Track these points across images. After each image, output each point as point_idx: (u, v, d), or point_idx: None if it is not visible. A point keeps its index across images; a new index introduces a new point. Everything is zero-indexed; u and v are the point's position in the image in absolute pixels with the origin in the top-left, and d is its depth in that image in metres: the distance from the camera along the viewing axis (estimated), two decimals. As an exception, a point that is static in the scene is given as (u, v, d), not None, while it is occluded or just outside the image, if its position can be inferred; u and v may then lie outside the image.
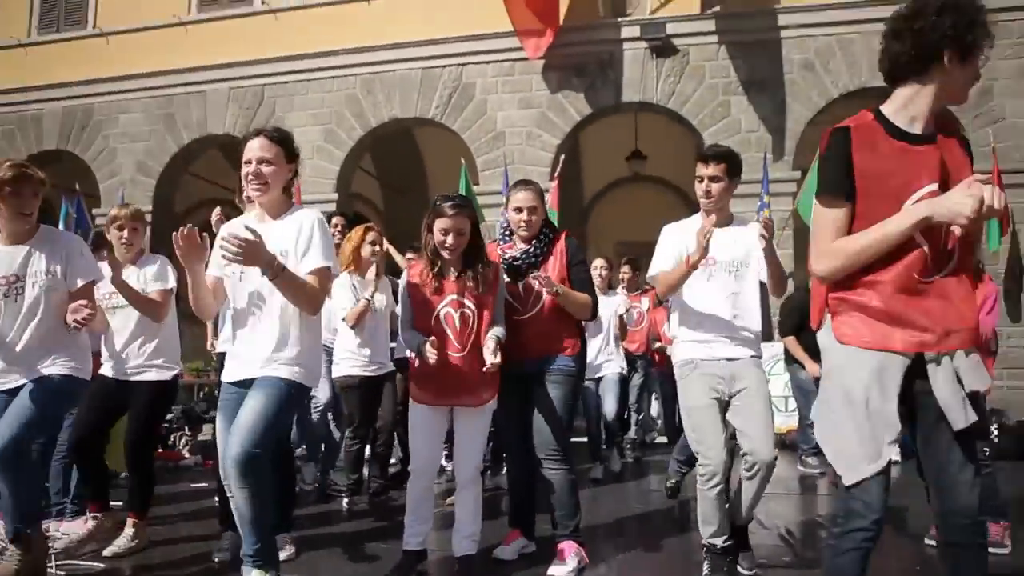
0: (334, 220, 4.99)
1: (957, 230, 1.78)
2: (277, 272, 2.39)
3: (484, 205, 9.64)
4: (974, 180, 1.80)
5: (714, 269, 3.14)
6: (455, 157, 11.19)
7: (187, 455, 6.78)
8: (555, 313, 3.30)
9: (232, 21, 11.11)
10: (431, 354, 2.79)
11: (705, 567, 3.10)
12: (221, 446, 2.52)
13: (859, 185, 1.91)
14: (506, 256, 3.36)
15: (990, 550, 2.25)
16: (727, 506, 3.08)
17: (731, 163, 3.18)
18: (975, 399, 1.90)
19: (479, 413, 3.10)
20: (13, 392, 2.81)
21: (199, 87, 11.16)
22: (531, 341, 3.28)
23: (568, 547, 3.18)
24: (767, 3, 9.67)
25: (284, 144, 2.65)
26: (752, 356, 3.12)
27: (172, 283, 3.54)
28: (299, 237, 2.57)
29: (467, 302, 3.05)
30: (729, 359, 3.08)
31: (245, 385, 2.55)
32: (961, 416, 1.82)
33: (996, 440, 6.66)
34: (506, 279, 3.27)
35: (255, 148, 2.58)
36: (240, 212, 2.94)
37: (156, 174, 11.19)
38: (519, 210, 3.36)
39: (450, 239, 3.04)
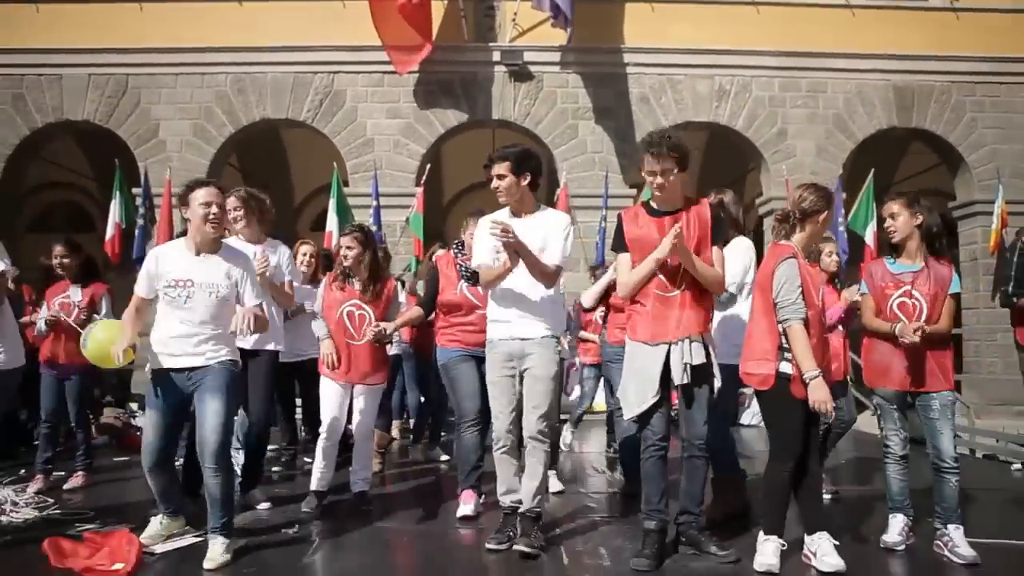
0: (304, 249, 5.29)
1: (671, 260, 3.07)
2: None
3: (354, 206, 10.48)
4: (671, 232, 3.06)
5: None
6: (319, 157, 11.92)
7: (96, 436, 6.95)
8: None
9: (93, 5, 11.05)
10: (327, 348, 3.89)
11: (496, 529, 3.57)
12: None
13: (629, 243, 3.18)
14: (465, 266, 4.03)
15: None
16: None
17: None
18: (704, 369, 3.18)
19: (372, 390, 4.13)
20: None
21: (54, 70, 11.00)
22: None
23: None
24: (611, 42, 11.22)
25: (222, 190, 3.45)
26: (544, 336, 3.49)
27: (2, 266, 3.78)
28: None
29: (364, 305, 4.07)
30: (522, 338, 3.50)
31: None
32: (679, 376, 3.12)
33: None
34: (468, 284, 4.05)
35: (203, 195, 3.29)
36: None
37: (3, 157, 10.91)
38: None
39: (349, 256, 4.07)
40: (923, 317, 3.38)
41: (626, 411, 3.22)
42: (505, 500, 3.57)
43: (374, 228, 9.89)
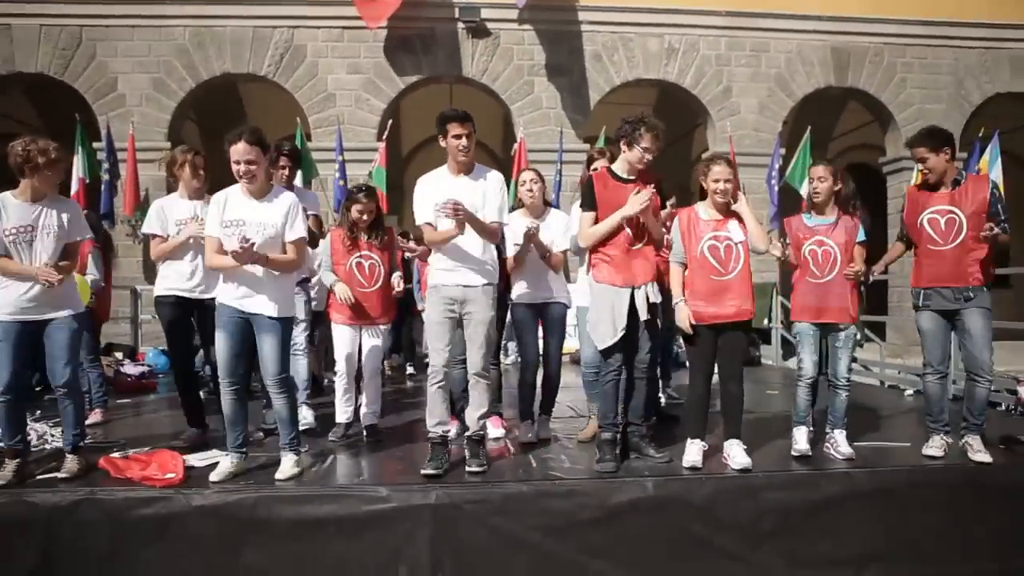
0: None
1: (641, 218, 3.84)
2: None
3: (317, 160, 10.95)
4: (636, 192, 3.83)
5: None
6: (277, 111, 12.26)
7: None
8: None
9: (41, -46, 11.08)
10: (343, 291, 4.50)
11: (428, 456, 3.87)
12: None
13: (598, 202, 3.92)
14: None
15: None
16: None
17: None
18: (655, 309, 3.99)
19: (379, 331, 4.76)
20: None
21: (2, 19, 11.03)
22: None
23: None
24: (566, 0, 11.77)
25: (261, 144, 3.81)
26: (483, 285, 3.94)
27: None
28: (287, 215, 3.84)
29: (373, 255, 4.65)
30: (464, 286, 3.93)
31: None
32: (644, 312, 3.91)
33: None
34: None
35: (240, 151, 3.70)
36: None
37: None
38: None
39: (364, 217, 4.60)
40: (837, 261, 4.21)
41: (599, 342, 3.97)
42: (437, 430, 3.95)
43: (340, 183, 10.43)
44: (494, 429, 4.68)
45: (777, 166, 11.44)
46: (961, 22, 12.30)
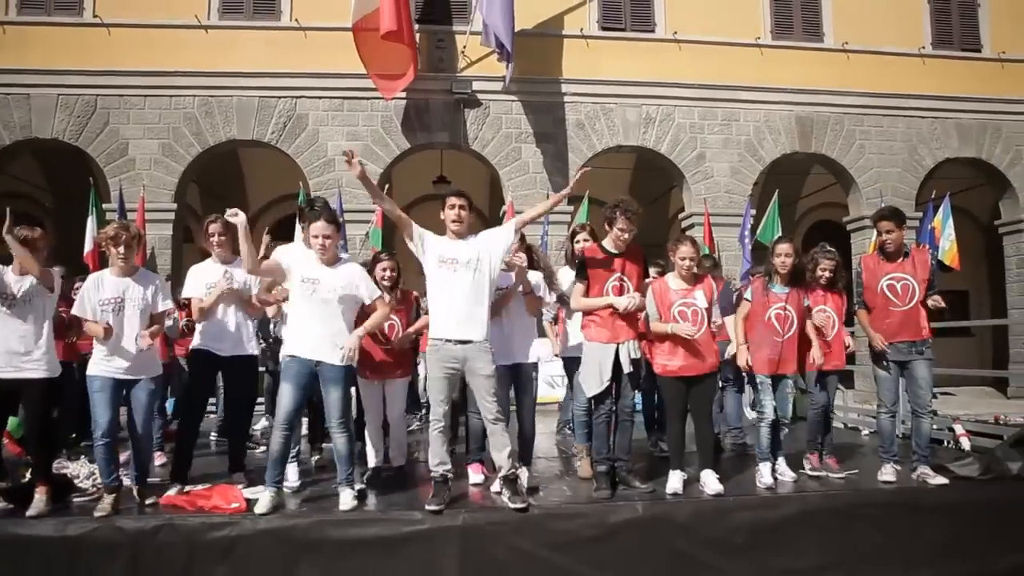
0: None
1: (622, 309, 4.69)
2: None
3: (318, 222, 11.73)
4: (633, 294, 4.69)
5: (456, 267, 4.46)
6: (273, 171, 13.17)
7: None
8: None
9: (62, 28, 12.00)
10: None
11: (432, 493, 4.39)
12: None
13: (589, 274, 4.77)
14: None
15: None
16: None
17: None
18: (637, 362, 4.81)
19: (400, 383, 5.38)
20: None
21: (23, 90, 11.87)
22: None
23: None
24: (551, 74, 12.90)
25: (336, 222, 4.65)
26: (482, 341, 4.41)
27: None
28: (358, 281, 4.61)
29: (392, 315, 5.36)
30: (462, 341, 4.41)
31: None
32: (627, 366, 4.72)
33: None
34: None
35: (319, 227, 4.49)
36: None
37: (-28, 172, 11.73)
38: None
39: (388, 274, 5.23)
40: (795, 326, 5.12)
41: (588, 391, 4.79)
42: (438, 470, 4.47)
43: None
44: (475, 475, 5.15)
45: (749, 225, 12.48)
46: (912, 95, 13.61)
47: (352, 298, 4.65)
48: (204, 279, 5.26)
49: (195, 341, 5.32)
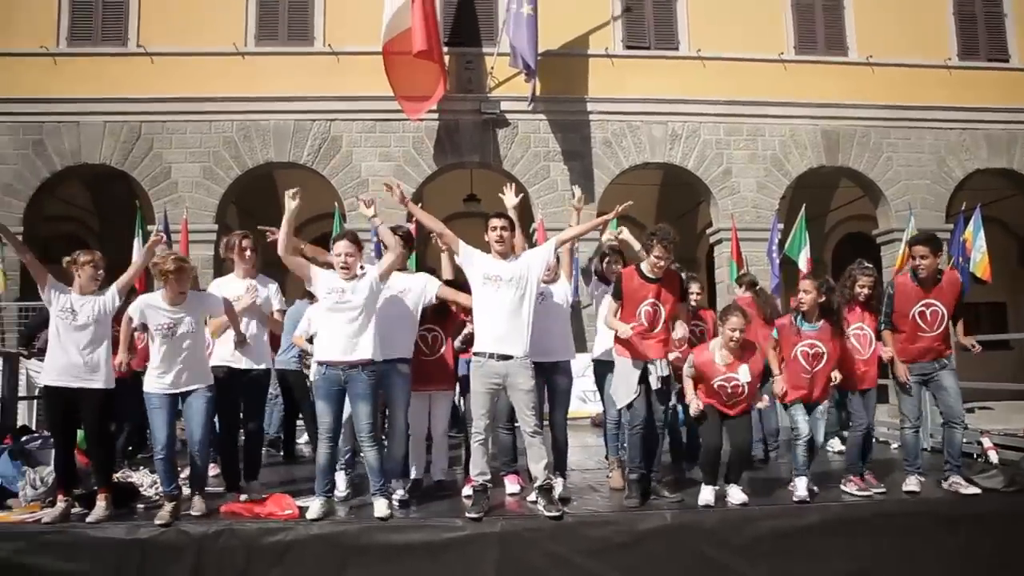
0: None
1: (653, 312, 4.97)
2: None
3: (352, 241, 12.17)
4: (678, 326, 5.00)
5: (500, 284, 4.73)
6: (309, 193, 13.46)
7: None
8: None
9: (108, 59, 12.61)
10: None
11: (472, 501, 4.76)
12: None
13: (624, 294, 5.04)
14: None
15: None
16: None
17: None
18: (667, 379, 5.07)
19: (444, 396, 5.64)
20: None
21: (72, 117, 12.50)
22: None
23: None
24: (578, 93, 13.23)
25: (358, 243, 4.98)
26: (523, 357, 4.67)
27: None
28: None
29: (436, 327, 5.54)
30: (504, 356, 4.69)
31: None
32: (656, 383, 4.99)
33: None
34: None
35: (342, 247, 4.85)
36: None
37: (25, 196, 12.33)
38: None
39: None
40: (825, 359, 5.14)
41: (619, 402, 5.06)
42: (479, 479, 4.73)
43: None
44: (511, 485, 5.36)
45: (777, 239, 12.64)
46: (939, 106, 13.69)
47: (374, 303, 4.94)
48: (229, 293, 5.41)
49: (213, 359, 5.38)
